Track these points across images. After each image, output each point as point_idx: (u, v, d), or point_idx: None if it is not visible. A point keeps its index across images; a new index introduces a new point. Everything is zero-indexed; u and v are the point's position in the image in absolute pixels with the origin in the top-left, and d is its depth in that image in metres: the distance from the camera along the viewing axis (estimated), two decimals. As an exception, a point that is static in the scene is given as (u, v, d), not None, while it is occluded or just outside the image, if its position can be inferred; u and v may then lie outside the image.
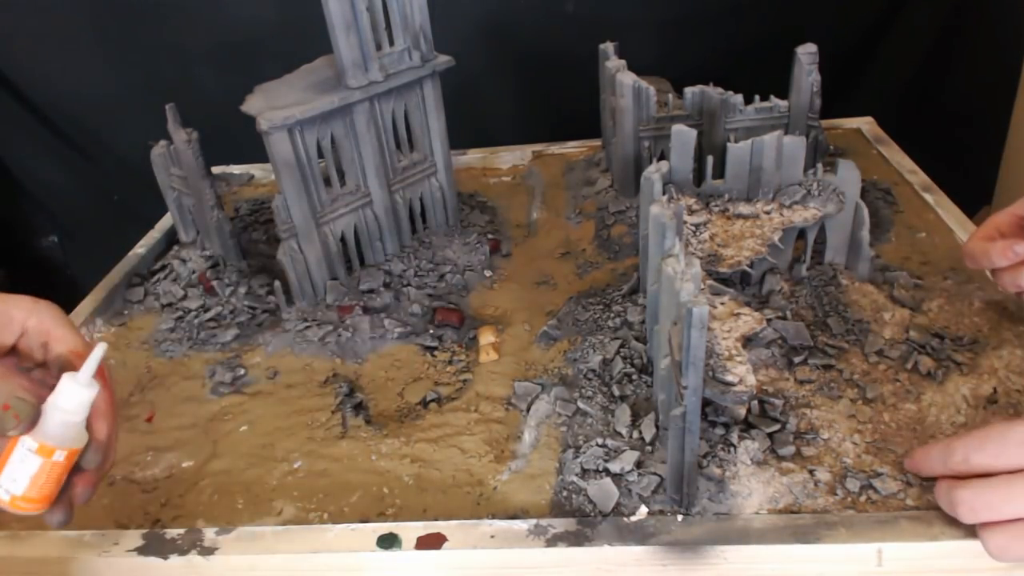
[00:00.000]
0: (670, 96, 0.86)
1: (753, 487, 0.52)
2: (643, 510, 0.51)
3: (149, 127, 0.86)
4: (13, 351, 0.49)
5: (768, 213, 0.66)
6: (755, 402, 0.58)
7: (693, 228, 0.65)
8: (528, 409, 0.62)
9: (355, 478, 0.58)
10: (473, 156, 1.10)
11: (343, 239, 0.79)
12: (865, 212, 0.66)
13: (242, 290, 0.82)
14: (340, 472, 0.59)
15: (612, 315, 0.70)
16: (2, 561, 0.55)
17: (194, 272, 0.86)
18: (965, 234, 0.76)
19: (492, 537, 0.51)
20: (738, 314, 0.55)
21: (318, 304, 0.78)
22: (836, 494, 0.51)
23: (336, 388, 0.68)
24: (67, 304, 0.63)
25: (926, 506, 0.50)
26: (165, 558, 0.53)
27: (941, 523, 0.48)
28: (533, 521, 0.51)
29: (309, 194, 0.74)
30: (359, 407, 0.66)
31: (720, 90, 0.81)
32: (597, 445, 0.56)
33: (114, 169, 1.44)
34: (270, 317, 0.79)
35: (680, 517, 0.51)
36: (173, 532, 0.54)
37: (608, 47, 0.88)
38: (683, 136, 0.67)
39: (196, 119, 0.82)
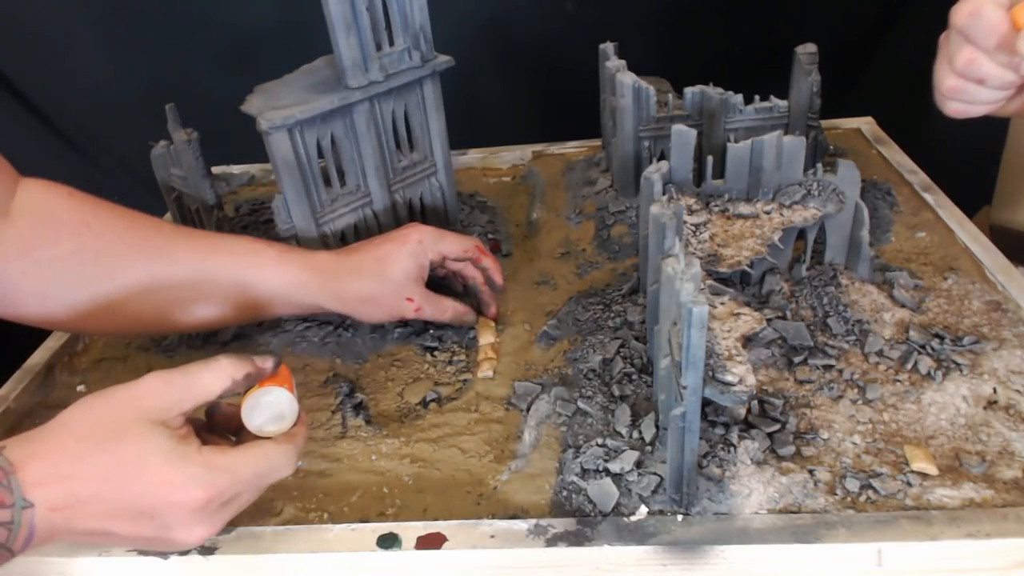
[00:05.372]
0: (670, 96, 0.86)
1: (753, 487, 0.52)
2: (643, 510, 0.51)
3: (149, 127, 0.86)
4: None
5: (768, 213, 0.66)
6: (755, 402, 0.58)
7: (693, 228, 0.65)
8: (528, 409, 0.62)
9: (355, 478, 0.58)
10: (473, 156, 1.10)
11: (343, 239, 0.79)
12: (865, 212, 0.66)
13: (242, 290, 0.82)
14: (340, 472, 0.59)
15: (612, 315, 0.70)
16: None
17: (194, 272, 0.86)
18: (965, 234, 0.76)
19: (492, 537, 0.51)
20: (738, 314, 0.55)
21: (318, 304, 0.78)
22: (836, 494, 0.51)
23: (336, 388, 0.68)
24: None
25: (926, 506, 0.50)
26: (165, 558, 0.53)
27: (941, 523, 0.48)
28: (533, 521, 0.51)
29: (309, 194, 0.74)
30: (359, 407, 0.66)
31: (720, 90, 0.81)
32: (597, 445, 0.56)
33: (114, 169, 1.44)
34: (270, 317, 0.79)
35: (680, 517, 0.51)
36: (173, 532, 0.54)
37: (608, 47, 0.88)
38: (683, 136, 0.67)
39: (196, 119, 0.82)
